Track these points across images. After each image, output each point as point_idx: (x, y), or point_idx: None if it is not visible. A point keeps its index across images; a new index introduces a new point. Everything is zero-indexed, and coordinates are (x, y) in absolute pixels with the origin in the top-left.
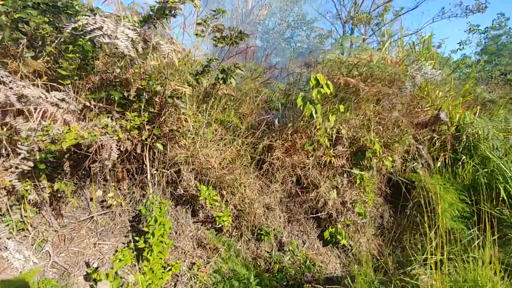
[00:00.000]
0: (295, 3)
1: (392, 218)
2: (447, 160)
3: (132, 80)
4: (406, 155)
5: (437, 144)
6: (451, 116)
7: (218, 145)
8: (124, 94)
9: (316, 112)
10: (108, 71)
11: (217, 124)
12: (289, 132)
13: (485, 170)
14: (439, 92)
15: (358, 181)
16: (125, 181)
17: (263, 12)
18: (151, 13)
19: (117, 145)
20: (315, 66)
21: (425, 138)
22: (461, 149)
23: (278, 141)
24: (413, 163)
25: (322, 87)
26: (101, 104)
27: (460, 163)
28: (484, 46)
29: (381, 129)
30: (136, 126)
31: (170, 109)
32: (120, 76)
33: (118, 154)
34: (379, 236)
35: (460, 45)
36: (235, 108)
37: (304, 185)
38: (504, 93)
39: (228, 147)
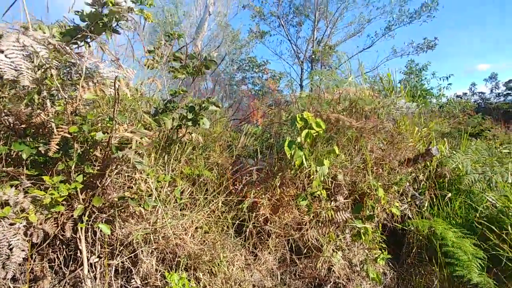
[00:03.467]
0: (244, 46)
1: (394, 272)
2: (434, 199)
3: (51, 126)
4: (401, 198)
5: (423, 182)
6: None
7: (188, 210)
8: (40, 148)
9: (307, 159)
10: (7, 111)
11: (184, 181)
12: (277, 184)
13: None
14: (414, 126)
15: (363, 237)
16: (45, 279)
17: (213, 54)
18: (81, 23)
19: (25, 234)
20: (289, 105)
21: (411, 176)
22: (446, 185)
23: (263, 196)
24: (407, 206)
25: (311, 127)
26: None
27: (447, 200)
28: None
29: (380, 171)
30: (62, 197)
31: (119, 165)
32: (30, 119)
33: (30, 247)
34: None
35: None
36: (204, 157)
37: (301, 250)
38: (453, 126)
39: (202, 211)
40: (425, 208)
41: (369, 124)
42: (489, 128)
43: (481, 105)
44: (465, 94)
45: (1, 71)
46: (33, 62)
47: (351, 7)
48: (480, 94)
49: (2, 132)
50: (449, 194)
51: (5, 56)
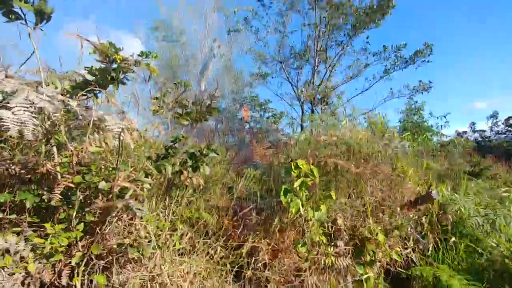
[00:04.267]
0: (247, 86)
1: None
2: (438, 242)
3: (57, 175)
4: (404, 242)
5: (426, 225)
6: None
7: (186, 255)
8: (44, 197)
9: (303, 206)
10: (15, 160)
11: (184, 225)
12: (276, 229)
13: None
14: (409, 168)
15: (365, 284)
16: None
17: (216, 93)
18: (89, 78)
19: (22, 284)
20: (287, 148)
21: (413, 220)
22: (449, 229)
23: (262, 241)
24: (410, 250)
25: (306, 175)
26: None
27: (451, 244)
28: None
29: (381, 214)
30: (62, 247)
31: (119, 212)
32: (36, 168)
33: None
34: None
35: (400, 123)
36: (205, 200)
37: None
38: (449, 165)
39: (201, 257)
40: (429, 252)
41: (366, 169)
42: (489, 167)
43: (481, 143)
44: (465, 132)
45: (6, 128)
46: (41, 117)
47: (349, 54)
48: (480, 132)
49: (7, 180)
50: (453, 239)
51: (12, 113)
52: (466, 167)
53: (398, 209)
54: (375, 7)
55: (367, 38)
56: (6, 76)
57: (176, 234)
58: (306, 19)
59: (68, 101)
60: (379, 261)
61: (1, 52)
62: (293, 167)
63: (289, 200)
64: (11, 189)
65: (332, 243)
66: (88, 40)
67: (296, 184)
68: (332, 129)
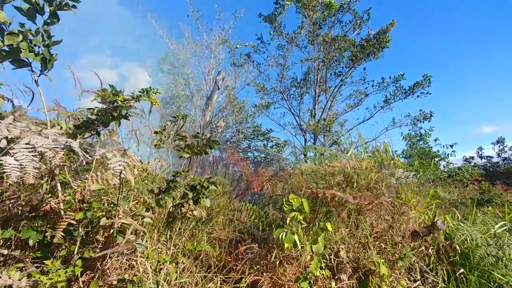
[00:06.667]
0: (250, 116)
1: None
2: (447, 274)
3: (59, 212)
4: (410, 274)
5: (432, 256)
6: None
7: None
8: (47, 234)
9: (300, 239)
10: (20, 200)
11: (186, 257)
12: (277, 263)
13: None
14: (413, 196)
15: None
16: None
17: (221, 123)
18: (91, 116)
19: None
20: (286, 180)
21: (419, 250)
22: (458, 260)
23: (263, 274)
24: (419, 283)
25: (298, 209)
26: (1, 250)
27: (461, 276)
28: (407, 151)
29: (383, 246)
30: (60, 282)
31: (119, 247)
32: (40, 206)
33: None
34: None
35: (404, 153)
36: (207, 232)
37: None
38: (457, 194)
39: None
40: (439, 286)
41: (365, 200)
42: (499, 194)
43: (489, 169)
44: (472, 157)
45: (8, 174)
46: (44, 159)
47: (349, 84)
48: (488, 158)
49: (12, 217)
50: (461, 270)
51: (15, 159)
52: (475, 195)
53: (401, 239)
54: (372, 40)
55: (364, 69)
56: (14, 120)
57: (173, 267)
58: (305, 53)
59: (71, 142)
60: None
61: (13, 94)
62: (284, 201)
63: (282, 235)
64: (15, 225)
65: (336, 277)
66: (89, 91)
67: (289, 219)
68: (333, 159)
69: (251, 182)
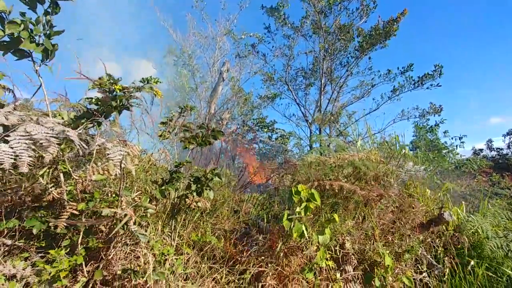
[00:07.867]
0: (256, 108)
1: None
2: (454, 266)
3: (62, 202)
4: (416, 266)
5: (439, 248)
6: None
7: (192, 280)
8: (50, 224)
9: (307, 230)
10: (21, 190)
11: (190, 248)
12: (281, 254)
13: None
14: (425, 189)
15: None
16: None
17: (226, 115)
18: (90, 106)
19: None
20: (294, 171)
21: (425, 242)
22: (466, 252)
23: (268, 265)
24: (425, 275)
25: (308, 200)
26: (4, 240)
27: (469, 268)
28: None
29: (390, 238)
30: (64, 271)
31: (123, 238)
32: (43, 195)
33: None
34: None
35: (412, 144)
36: (211, 223)
37: None
38: (466, 186)
39: (207, 282)
40: (445, 277)
41: (373, 191)
42: (509, 186)
43: (499, 161)
44: (481, 150)
45: (1, 161)
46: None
47: (355, 75)
48: (498, 149)
49: (17, 207)
50: (472, 262)
51: (10, 146)
52: (483, 187)
53: (408, 231)
54: (381, 29)
55: (370, 59)
56: (15, 109)
57: (179, 259)
58: (310, 42)
59: (68, 131)
60: (391, 287)
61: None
62: (293, 192)
63: (291, 225)
64: (19, 215)
65: (341, 268)
66: (87, 77)
67: (299, 209)
68: (340, 150)
69: (255, 174)
